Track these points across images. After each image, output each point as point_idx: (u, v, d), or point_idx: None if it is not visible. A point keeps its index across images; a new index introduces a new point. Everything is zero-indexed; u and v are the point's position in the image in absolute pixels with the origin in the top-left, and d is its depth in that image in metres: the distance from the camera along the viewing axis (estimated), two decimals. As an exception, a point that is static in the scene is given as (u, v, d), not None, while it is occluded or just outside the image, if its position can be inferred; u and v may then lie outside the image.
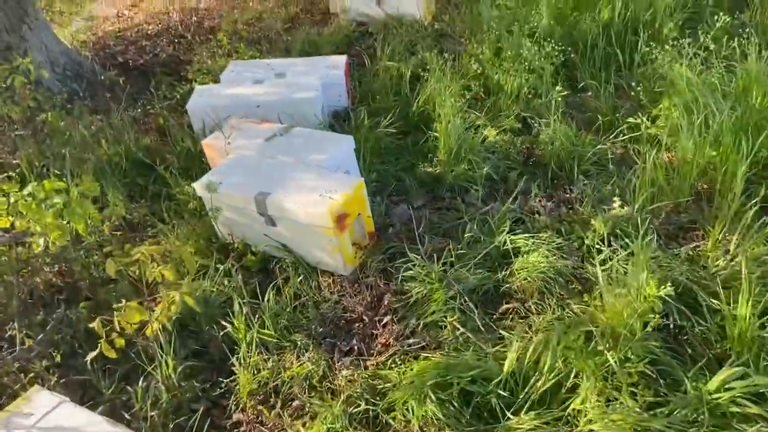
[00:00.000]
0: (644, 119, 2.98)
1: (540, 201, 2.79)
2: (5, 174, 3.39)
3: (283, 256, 2.68)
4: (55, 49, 4.81)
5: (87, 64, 4.99)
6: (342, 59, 3.79)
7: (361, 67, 4.19)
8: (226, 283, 2.59)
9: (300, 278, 2.57)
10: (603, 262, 2.35)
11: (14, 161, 3.39)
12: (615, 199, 2.58)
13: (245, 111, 3.40)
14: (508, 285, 2.38)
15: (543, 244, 2.46)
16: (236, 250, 2.78)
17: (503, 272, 2.43)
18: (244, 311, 2.34)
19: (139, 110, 4.13)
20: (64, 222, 2.28)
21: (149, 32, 5.77)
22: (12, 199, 2.21)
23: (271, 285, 2.50)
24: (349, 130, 3.42)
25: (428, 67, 3.64)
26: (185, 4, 6.23)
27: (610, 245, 2.43)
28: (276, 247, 2.68)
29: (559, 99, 3.22)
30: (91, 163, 3.28)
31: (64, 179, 3.21)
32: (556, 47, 3.43)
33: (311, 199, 2.47)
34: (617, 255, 2.37)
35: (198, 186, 2.71)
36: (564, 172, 2.96)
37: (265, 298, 2.42)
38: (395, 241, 2.69)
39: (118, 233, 3.05)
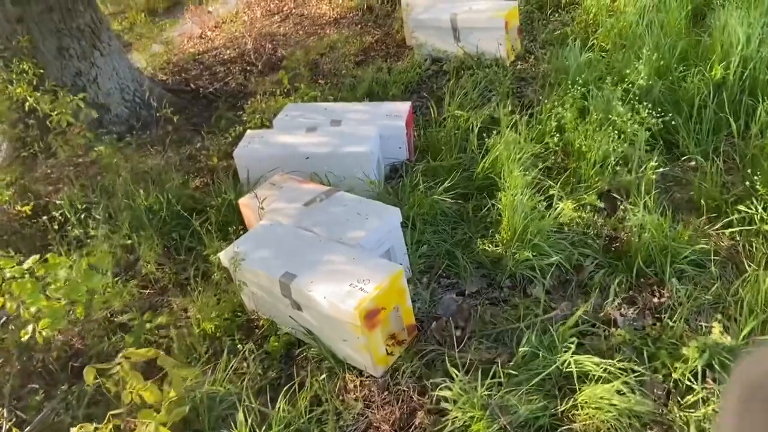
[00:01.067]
0: (759, 209, 2.42)
1: (619, 306, 2.30)
2: (48, 216, 3.28)
3: (309, 343, 2.34)
4: (127, 75, 4.75)
5: (156, 93, 4.90)
6: (405, 107, 3.43)
7: (428, 113, 3.81)
8: (244, 366, 2.29)
9: (323, 376, 2.22)
10: (694, 406, 1.85)
11: (58, 201, 3.26)
12: (714, 324, 2.05)
13: (293, 162, 3.11)
14: (568, 424, 1.92)
15: (618, 372, 1.98)
16: (261, 327, 2.48)
17: (564, 404, 1.97)
18: (249, 420, 2.01)
19: (198, 145, 3.95)
20: (62, 302, 2.04)
21: (225, 57, 5.67)
22: (8, 274, 1.99)
23: (289, 386, 2.16)
24: (403, 191, 3.05)
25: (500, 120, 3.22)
26: (264, 28, 6.09)
27: (704, 383, 1.92)
28: (302, 332, 2.34)
29: (654, 176, 2.71)
30: (130, 211, 3.09)
31: (103, 226, 3.05)
32: (654, 111, 2.91)
33: (340, 290, 2.12)
34: (713, 398, 1.86)
35: (223, 257, 2.43)
36: (653, 269, 2.45)
37: (278, 405, 2.08)
38: (436, 343, 2.28)
39: (146, 291, 2.82)
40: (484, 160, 3.05)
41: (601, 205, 2.73)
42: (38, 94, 3.95)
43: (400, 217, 2.52)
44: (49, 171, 3.56)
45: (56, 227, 3.16)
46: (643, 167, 2.76)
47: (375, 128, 3.23)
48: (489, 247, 2.67)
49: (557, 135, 3.07)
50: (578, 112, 3.11)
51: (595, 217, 2.73)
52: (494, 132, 3.24)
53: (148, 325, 2.39)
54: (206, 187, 3.36)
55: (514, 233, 2.58)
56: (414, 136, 3.58)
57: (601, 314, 2.28)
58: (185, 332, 2.40)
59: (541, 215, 2.65)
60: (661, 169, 2.81)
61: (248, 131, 3.37)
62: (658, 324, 2.21)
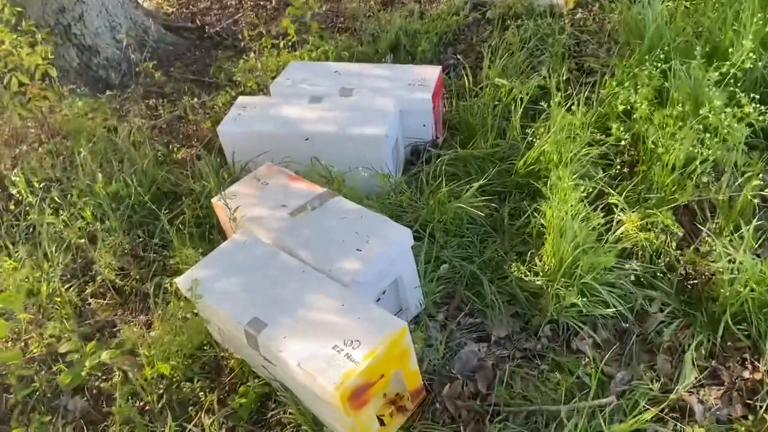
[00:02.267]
0: None
1: (697, 387, 1.71)
2: (5, 193, 2.79)
3: (285, 401, 1.83)
4: (118, 11, 4.13)
5: (153, 31, 4.29)
6: (434, 73, 2.76)
7: (463, 76, 3.13)
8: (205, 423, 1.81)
9: (299, 450, 1.73)
10: None
11: (15, 177, 2.76)
12: None
13: (290, 143, 2.51)
14: None
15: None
16: (231, 370, 1.98)
17: None
18: None
19: (192, 103, 3.37)
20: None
21: (240, -12, 4.96)
22: None
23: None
24: (422, 190, 2.44)
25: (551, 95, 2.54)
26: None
27: None
28: (278, 384, 1.84)
29: (756, 200, 2.03)
30: (91, 197, 2.57)
31: (61, 213, 2.55)
32: (760, 103, 2.18)
33: (320, 354, 1.58)
34: None
35: (181, 283, 1.90)
36: (747, 326, 1.83)
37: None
38: (447, 416, 1.74)
39: (104, 301, 2.34)
40: (527, 154, 2.40)
41: (678, 229, 2.08)
42: (14, 37, 3.40)
43: (410, 239, 1.93)
44: (6, 136, 3.04)
45: (12, 208, 2.68)
46: (740, 181, 2.08)
47: (394, 102, 2.59)
48: (526, 276, 2.07)
49: (624, 123, 2.38)
50: (654, 94, 2.40)
51: (669, 241, 2.08)
52: (543, 111, 2.57)
53: (87, 364, 1.91)
54: (191, 162, 2.80)
55: (559, 263, 1.97)
56: (443, 108, 2.92)
57: (673, 395, 1.69)
58: (134, 374, 1.91)
59: (595, 239, 2.02)
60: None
61: (240, 98, 2.76)
62: (750, 418, 1.62)
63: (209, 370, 2.00)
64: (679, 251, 2.06)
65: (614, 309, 1.88)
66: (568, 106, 2.54)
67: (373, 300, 1.91)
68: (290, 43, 3.24)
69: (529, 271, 2.10)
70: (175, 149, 3.08)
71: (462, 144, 2.76)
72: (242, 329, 1.72)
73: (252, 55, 3.12)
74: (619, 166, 2.32)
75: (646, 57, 2.54)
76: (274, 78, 2.91)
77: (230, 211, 2.01)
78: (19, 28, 3.43)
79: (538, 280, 2.05)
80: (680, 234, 2.07)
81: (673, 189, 2.16)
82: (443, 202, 2.27)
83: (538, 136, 2.45)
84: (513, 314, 2.03)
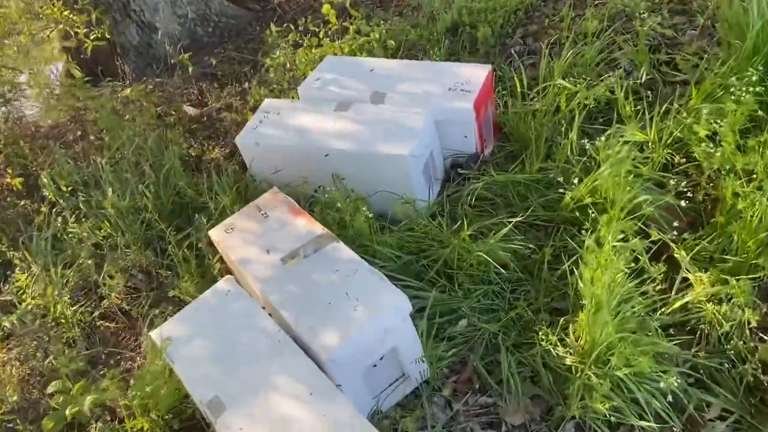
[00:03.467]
0: None
1: None
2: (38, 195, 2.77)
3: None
4: (179, -17, 3.99)
5: (216, 3, 4.11)
6: (481, 74, 2.35)
7: (529, 70, 2.68)
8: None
9: None
10: None
11: (44, 177, 2.71)
12: None
13: (310, 159, 2.26)
14: None
15: None
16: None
17: None
18: None
19: (238, 89, 3.18)
20: None
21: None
22: None
23: None
24: (455, 220, 2.11)
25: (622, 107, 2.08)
26: None
27: None
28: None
29: None
30: (109, 208, 2.46)
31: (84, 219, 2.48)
32: None
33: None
34: None
35: (155, 338, 1.73)
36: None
37: None
38: None
39: (113, 325, 2.25)
40: (576, 188, 1.98)
41: (753, 317, 1.61)
42: (72, 15, 3.36)
43: (408, 306, 1.64)
44: (33, 130, 3.00)
45: (44, 210, 2.65)
46: None
47: (427, 113, 2.24)
48: (555, 348, 1.72)
49: (707, 148, 1.90)
50: (746, 120, 1.88)
51: (743, 322, 1.64)
52: (607, 128, 2.12)
53: (69, 411, 1.82)
54: (214, 169, 2.61)
55: (592, 343, 1.60)
56: (496, 111, 2.51)
57: None
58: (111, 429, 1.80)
59: (644, 308, 1.62)
60: None
61: (265, 101, 2.51)
62: None
63: (191, 425, 1.86)
64: (755, 340, 1.61)
65: (656, 425, 1.50)
66: (642, 117, 2.08)
67: (365, 369, 1.65)
68: (330, 32, 2.92)
69: (560, 342, 1.74)
70: (210, 148, 2.92)
71: (512, 157, 2.38)
72: (204, 405, 1.53)
73: (280, 52, 2.82)
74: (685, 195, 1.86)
75: (747, 63, 1.99)
76: (312, 70, 2.62)
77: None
78: (75, 6, 3.38)
79: (567, 358, 1.69)
80: (757, 318, 1.61)
81: (757, 253, 1.68)
82: (466, 245, 1.93)
83: (596, 161, 2.02)
84: (533, 397, 1.70)
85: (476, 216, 2.16)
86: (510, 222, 1.99)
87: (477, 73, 2.37)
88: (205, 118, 3.13)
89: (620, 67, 2.51)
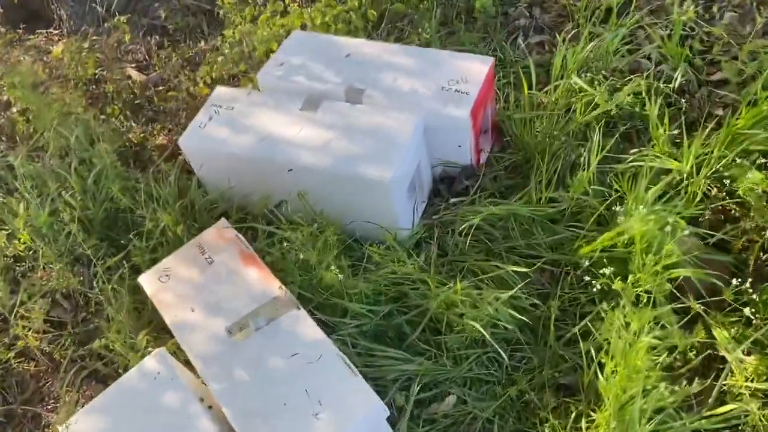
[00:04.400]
0: None
1: None
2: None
3: None
4: None
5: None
6: (482, 68, 1.92)
7: (534, 52, 2.25)
8: None
9: None
10: None
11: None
12: None
13: (269, 172, 1.85)
14: None
15: None
16: None
17: None
18: None
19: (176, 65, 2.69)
20: None
21: None
22: None
23: None
24: (444, 255, 1.74)
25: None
26: None
27: None
28: None
29: None
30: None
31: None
32: None
33: None
34: None
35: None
36: None
37: None
38: None
39: (33, 366, 1.88)
40: (597, 239, 1.61)
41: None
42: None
43: (382, 411, 1.29)
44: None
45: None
46: None
47: (415, 120, 1.82)
48: (561, 447, 1.41)
49: (755, 196, 1.54)
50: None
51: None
52: (630, 143, 1.74)
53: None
54: (154, 171, 2.18)
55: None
56: (495, 109, 2.10)
57: None
58: None
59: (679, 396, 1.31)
60: None
61: (217, 90, 2.05)
62: None
63: None
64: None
65: None
66: (673, 127, 1.70)
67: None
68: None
69: (568, 438, 1.43)
70: (154, 132, 2.47)
71: (514, 169, 2.00)
72: None
73: (234, 29, 2.31)
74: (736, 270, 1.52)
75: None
76: (268, 58, 2.15)
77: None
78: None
79: (578, 463, 1.38)
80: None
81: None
82: (457, 311, 1.57)
83: (618, 193, 1.66)
84: None
85: (470, 247, 1.80)
86: (512, 268, 1.64)
87: (476, 68, 1.93)
88: (151, 88, 2.64)
89: (648, 61, 2.09)
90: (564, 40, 2.07)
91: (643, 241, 1.49)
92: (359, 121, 1.85)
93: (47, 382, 1.86)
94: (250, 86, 2.19)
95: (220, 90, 2.05)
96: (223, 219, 1.69)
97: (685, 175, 1.70)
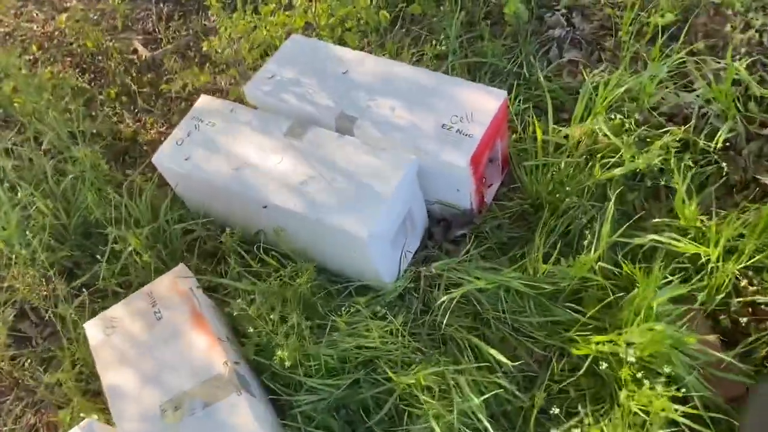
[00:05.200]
0: None
1: None
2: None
3: None
4: None
5: None
6: (492, 105, 1.67)
7: (562, 73, 1.99)
8: None
9: None
10: None
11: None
12: None
13: (242, 204, 1.69)
14: None
15: None
16: None
17: None
18: None
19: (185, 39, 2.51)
20: None
21: None
22: None
23: None
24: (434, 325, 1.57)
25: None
26: None
27: None
28: None
29: None
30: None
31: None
32: None
33: None
34: None
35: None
36: None
37: None
38: None
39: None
40: (593, 340, 1.40)
41: None
42: None
43: None
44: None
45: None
46: None
47: (407, 165, 1.60)
48: None
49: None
50: None
51: None
52: (660, 203, 1.50)
53: None
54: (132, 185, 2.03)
55: None
56: (508, 142, 1.86)
57: None
58: None
59: None
60: None
61: (200, 101, 1.87)
62: None
63: None
64: None
65: None
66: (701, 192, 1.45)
67: None
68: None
69: None
70: (149, 123, 2.32)
71: (520, 216, 1.78)
72: None
73: (223, 32, 2.08)
74: None
75: None
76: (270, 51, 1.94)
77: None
78: None
79: None
80: None
81: None
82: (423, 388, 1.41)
83: (629, 277, 1.43)
84: None
85: (457, 307, 1.61)
86: (495, 354, 1.45)
87: (486, 104, 1.68)
88: (153, 69, 2.47)
89: (696, 98, 1.79)
90: (594, 71, 1.79)
91: (644, 354, 1.28)
92: (346, 159, 1.64)
93: (6, 399, 1.81)
94: (239, 92, 1.99)
95: (204, 101, 1.87)
96: (181, 265, 1.54)
97: (711, 260, 1.45)
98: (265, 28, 1.96)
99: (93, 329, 1.47)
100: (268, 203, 1.63)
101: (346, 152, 1.65)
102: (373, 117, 1.71)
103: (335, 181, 1.60)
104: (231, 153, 1.73)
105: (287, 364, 1.38)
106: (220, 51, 2.00)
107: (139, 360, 1.39)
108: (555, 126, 1.77)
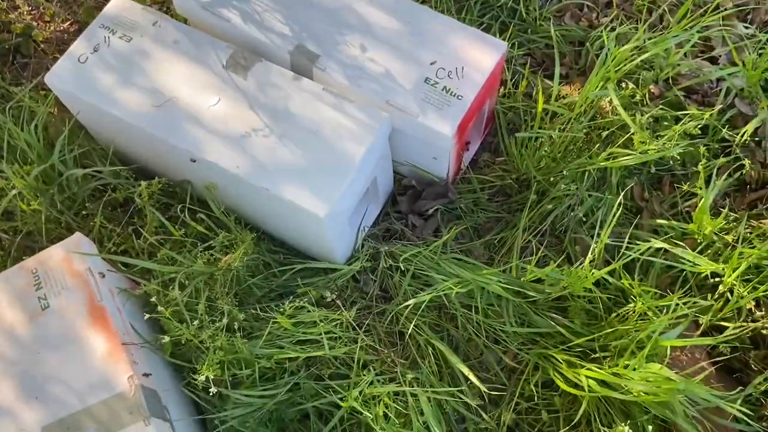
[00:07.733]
0: None
1: None
2: None
3: None
4: None
5: None
6: (488, 62, 1.34)
7: (569, 38, 1.67)
8: None
9: None
10: None
11: None
12: None
13: (164, 151, 1.33)
14: None
15: None
16: None
17: None
18: None
19: None
20: None
21: None
22: None
23: None
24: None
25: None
26: None
27: None
28: None
29: None
30: None
31: None
32: None
33: None
34: None
35: None
36: None
37: None
38: None
39: None
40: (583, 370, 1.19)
41: None
42: None
43: None
44: None
45: None
46: None
47: (378, 127, 1.27)
48: None
49: None
50: None
51: None
52: (663, 197, 1.28)
53: None
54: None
55: None
56: (496, 102, 1.55)
57: None
58: None
59: None
60: None
61: (113, 2, 1.43)
62: None
63: None
64: None
65: None
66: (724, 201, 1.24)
67: None
68: None
69: None
70: (47, 15, 1.83)
71: (502, 192, 1.51)
72: None
73: None
74: None
75: None
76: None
77: None
78: None
79: None
80: None
81: None
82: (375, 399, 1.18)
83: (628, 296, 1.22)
84: None
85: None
86: (459, 366, 1.23)
87: (482, 57, 1.35)
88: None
89: (712, 89, 1.53)
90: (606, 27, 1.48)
91: (641, 398, 1.09)
92: (301, 109, 1.29)
93: None
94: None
95: (119, 3, 1.43)
96: (78, 235, 1.19)
97: (725, 281, 1.25)
98: None
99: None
100: (198, 158, 1.28)
101: (302, 100, 1.30)
102: (339, 57, 1.35)
103: (287, 138, 1.26)
104: (152, 83, 1.33)
105: (211, 377, 1.10)
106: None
107: (16, 363, 1.06)
108: (559, 86, 1.47)
